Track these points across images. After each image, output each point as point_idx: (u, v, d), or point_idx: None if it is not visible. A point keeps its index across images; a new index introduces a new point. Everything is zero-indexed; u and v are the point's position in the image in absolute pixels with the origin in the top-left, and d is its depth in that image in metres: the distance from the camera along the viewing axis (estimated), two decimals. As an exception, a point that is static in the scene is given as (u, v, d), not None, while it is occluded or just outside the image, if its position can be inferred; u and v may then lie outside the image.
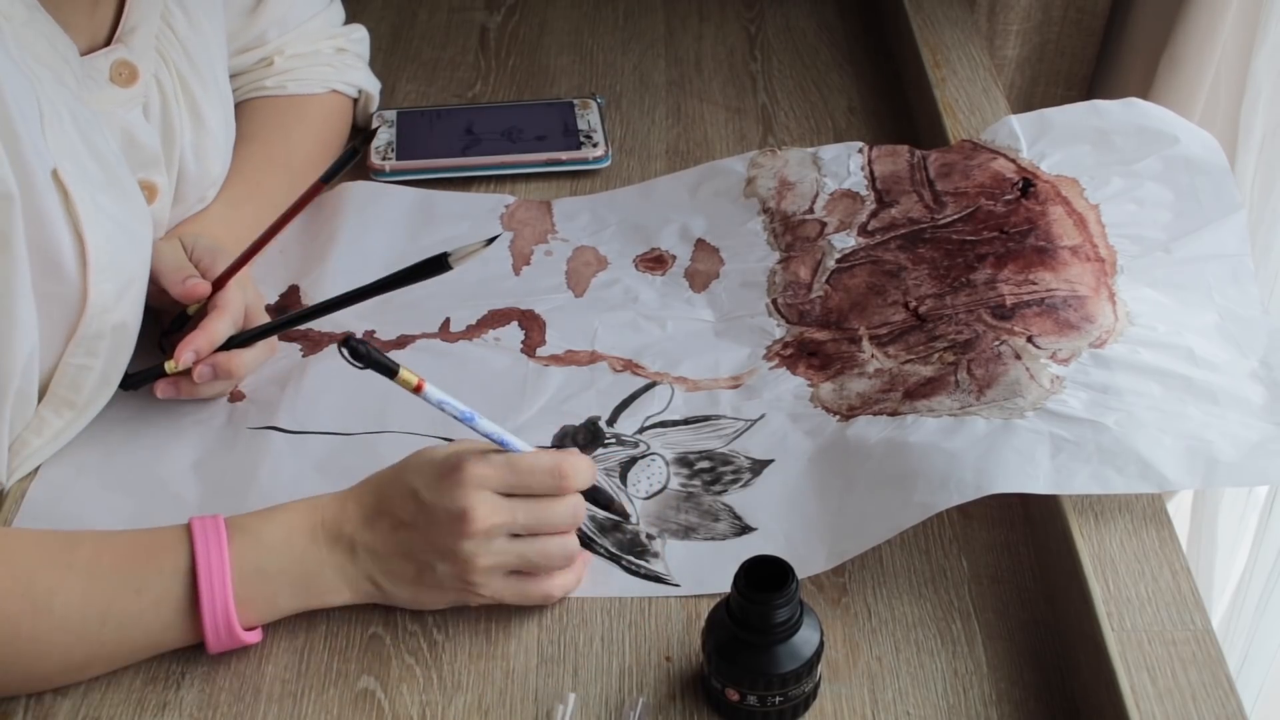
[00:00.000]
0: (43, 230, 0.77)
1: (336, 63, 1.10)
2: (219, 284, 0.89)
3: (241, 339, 0.88)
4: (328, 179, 0.86)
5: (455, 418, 0.73)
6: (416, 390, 0.71)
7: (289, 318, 0.89)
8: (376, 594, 0.75)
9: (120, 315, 0.83)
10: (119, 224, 0.82)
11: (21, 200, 0.74)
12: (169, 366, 0.86)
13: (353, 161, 0.85)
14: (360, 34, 1.15)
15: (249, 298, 0.90)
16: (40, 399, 0.83)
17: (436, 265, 0.75)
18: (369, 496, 0.75)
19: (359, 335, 0.95)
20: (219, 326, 0.86)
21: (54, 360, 0.82)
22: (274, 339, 0.92)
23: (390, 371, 0.70)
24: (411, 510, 0.73)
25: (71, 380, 0.83)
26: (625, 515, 0.81)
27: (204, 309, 0.88)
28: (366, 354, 0.68)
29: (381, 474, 0.76)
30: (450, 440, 0.83)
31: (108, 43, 0.88)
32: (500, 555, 0.73)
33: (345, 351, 0.68)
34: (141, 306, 0.87)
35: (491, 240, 0.74)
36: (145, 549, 0.73)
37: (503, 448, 0.74)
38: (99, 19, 0.87)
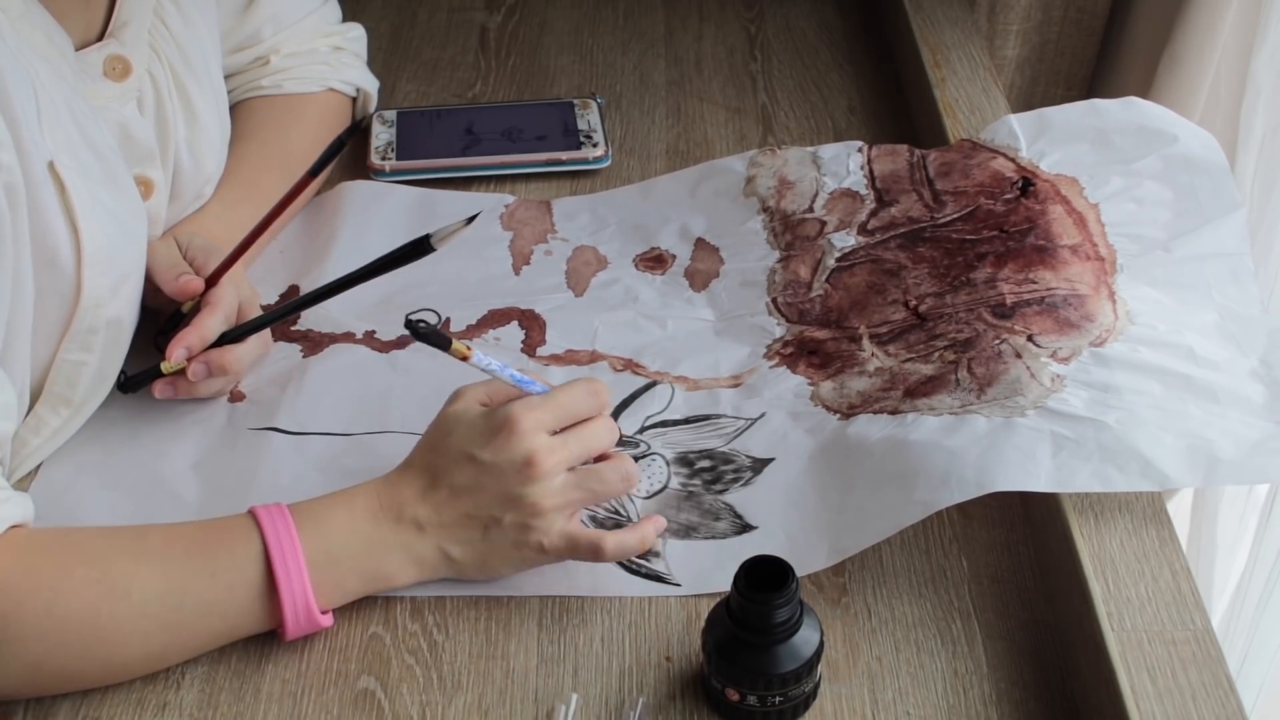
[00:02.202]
0: (39, 222, 0.77)
1: (333, 61, 1.10)
2: (212, 281, 0.89)
3: (234, 335, 0.88)
4: (315, 172, 0.86)
5: (493, 373, 0.77)
6: (464, 359, 0.75)
7: (280, 311, 0.89)
8: (444, 566, 0.76)
9: (115, 310, 0.83)
10: (115, 218, 0.83)
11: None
12: (165, 366, 0.86)
13: (339, 153, 0.85)
14: (357, 32, 1.15)
15: (243, 294, 0.90)
16: (38, 398, 0.83)
17: (420, 248, 0.76)
18: (421, 472, 0.76)
19: (360, 335, 0.95)
20: (210, 323, 0.86)
21: (49, 356, 0.82)
22: (268, 334, 0.92)
23: (445, 343, 0.74)
24: (470, 473, 0.75)
25: (67, 377, 0.83)
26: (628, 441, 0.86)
27: (197, 307, 0.88)
28: (427, 331, 0.73)
29: (426, 446, 0.77)
30: None
31: (100, 37, 0.88)
32: (563, 492, 0.75)
33: (408, 330, 0.73)
34: (137, 303, 0.87)
35: (472, 219, 0.74)
36: (215, 535, 0.74)
37: (527, 390, 0.78)
38: (92, 14, 0.87)
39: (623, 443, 0.86)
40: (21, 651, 0.69)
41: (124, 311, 0.85)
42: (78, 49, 0.85)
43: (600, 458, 0.78)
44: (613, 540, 0.75)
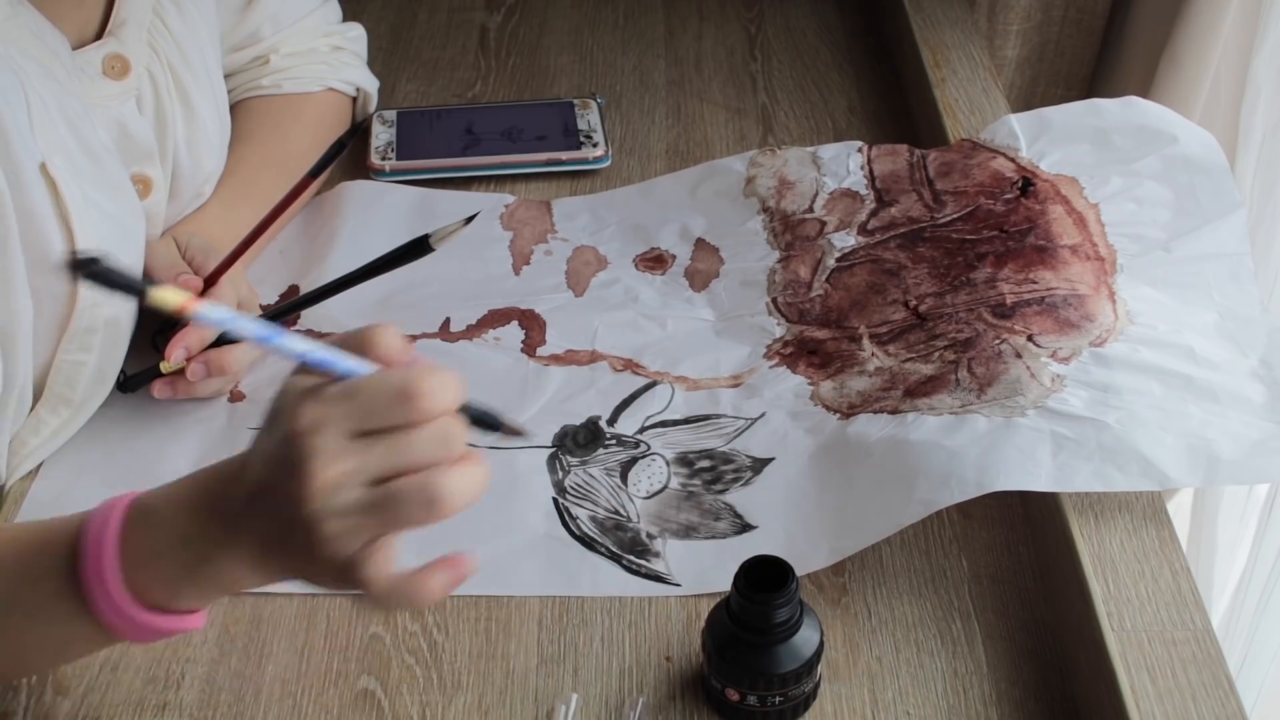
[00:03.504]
0: (32, 224, 0.77)
1: (333, 61, 1.10)
2: (211, 281, 0.89)
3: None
4: (316, 173, 0.86)
5: (246, 337, 0.58)
6: (181, 312, 0.54)
7: (279, 311, 0.89)
8: (269, 574, 0.61)
9: (113, 309, 0.83)
10: (110, 218, 0.83)
11: (11, 195, 0.75)
12: (164, 366, 0.86)
13: (339, 155, 0.85)
14: (357, 32, 1.15)
15: (242, 294, 0.90)
16: (37, 398, 0.83)
17: (418, 248, 0.75)
18: (241, 463, 0.60)
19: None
20: None
21: (48, 356, 0.82)
22: None
23: (139, 293, 0.53)
24: (257, 473, 0.58)
25: (66, 377, 0.83)
26: (519, 432, 0.62)
27: None
28: (99, 270, 0.52)
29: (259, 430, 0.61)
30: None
31: (98, 36, 0.88)
32: (350, 515, 0.56)
33: (68, 269, 0.52)
34: (135, 303, 0.87)
35: (470, 219, 0.74)
36: (43, 536, 0.64)
37: (328, 372, 0.57)
38: (88, 13, 0.87)
39: (622, 443, 0.86)
40: None
41: (121, 311, 0.85)
42: (75, 48, 0.85)
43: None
44: (394, 592, 0.58)
